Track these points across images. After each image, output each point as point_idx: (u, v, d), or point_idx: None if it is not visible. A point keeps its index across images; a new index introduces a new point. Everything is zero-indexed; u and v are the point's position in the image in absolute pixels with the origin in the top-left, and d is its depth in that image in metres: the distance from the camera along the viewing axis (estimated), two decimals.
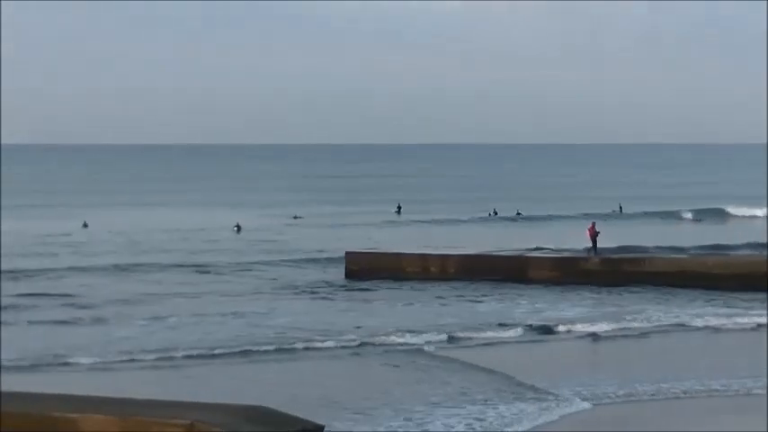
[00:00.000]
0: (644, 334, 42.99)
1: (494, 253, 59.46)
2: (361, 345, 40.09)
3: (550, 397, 31.78)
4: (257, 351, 38.70)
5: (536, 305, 49.27)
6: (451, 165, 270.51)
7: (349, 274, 58.75)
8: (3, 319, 44.58)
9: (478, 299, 51.48)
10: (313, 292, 54.19)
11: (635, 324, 44.40)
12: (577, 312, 47.33)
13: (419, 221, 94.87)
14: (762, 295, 51.14)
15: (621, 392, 32.41)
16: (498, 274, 56.26)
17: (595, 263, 56.35)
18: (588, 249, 58.23)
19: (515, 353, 39.85)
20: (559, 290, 53.34)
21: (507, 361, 37.40)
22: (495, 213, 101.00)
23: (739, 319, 45.55)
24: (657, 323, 44.85)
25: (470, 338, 41.70)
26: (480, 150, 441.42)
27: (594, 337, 42.63)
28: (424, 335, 41.54)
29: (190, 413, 22.82)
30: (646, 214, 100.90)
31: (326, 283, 57.19)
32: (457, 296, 52.34)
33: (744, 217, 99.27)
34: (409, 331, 42.06)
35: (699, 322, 44.97)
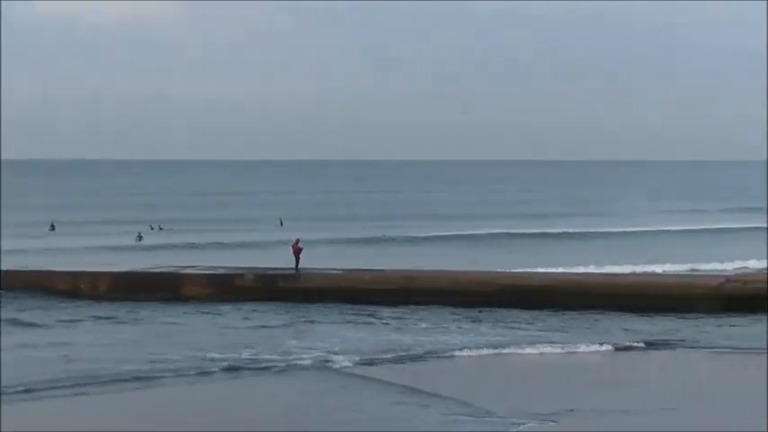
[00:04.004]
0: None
1: (148, 270, 58.51)
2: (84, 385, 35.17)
3: None
4: None
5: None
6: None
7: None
8: None
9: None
10: None
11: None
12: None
13: (73, 244, 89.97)
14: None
15: None
16: (154, 291, 55.38)
17: (250, 279, 56.21)
18: (295, 267, 57.28)
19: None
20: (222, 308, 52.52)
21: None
22: (152, 228, 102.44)
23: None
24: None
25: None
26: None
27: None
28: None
29: None
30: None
31: None
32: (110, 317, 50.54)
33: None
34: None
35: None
